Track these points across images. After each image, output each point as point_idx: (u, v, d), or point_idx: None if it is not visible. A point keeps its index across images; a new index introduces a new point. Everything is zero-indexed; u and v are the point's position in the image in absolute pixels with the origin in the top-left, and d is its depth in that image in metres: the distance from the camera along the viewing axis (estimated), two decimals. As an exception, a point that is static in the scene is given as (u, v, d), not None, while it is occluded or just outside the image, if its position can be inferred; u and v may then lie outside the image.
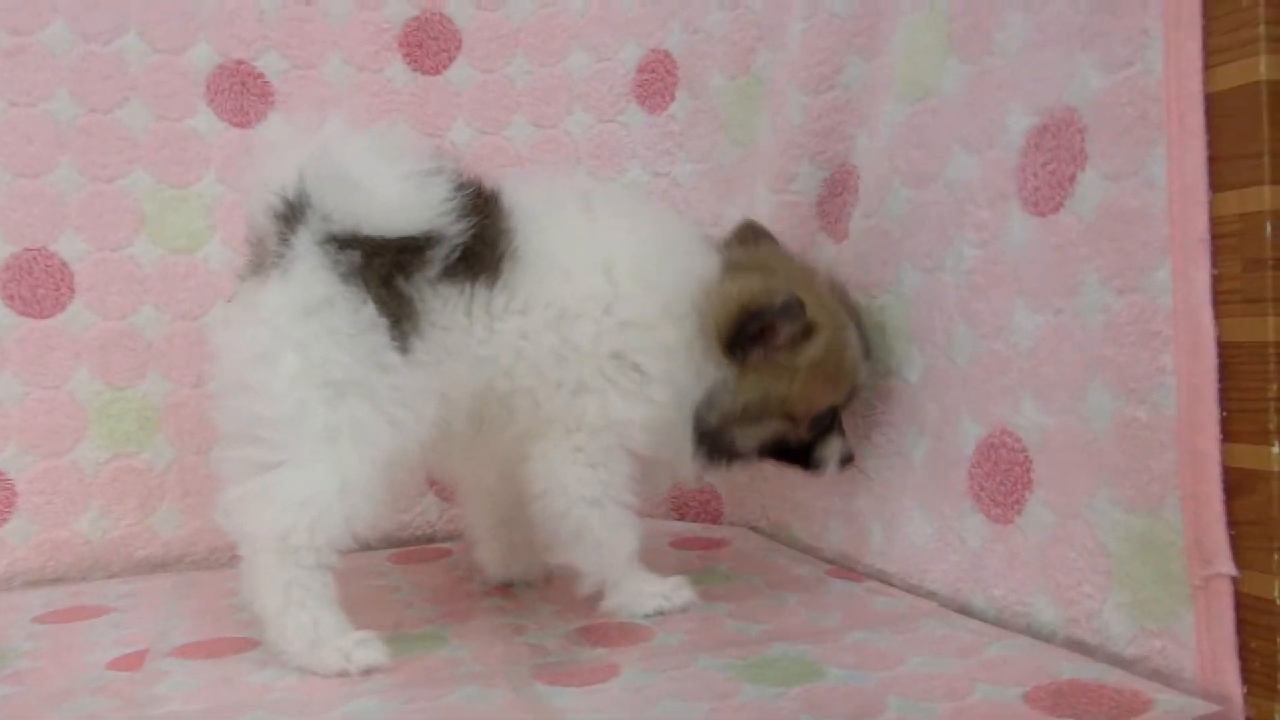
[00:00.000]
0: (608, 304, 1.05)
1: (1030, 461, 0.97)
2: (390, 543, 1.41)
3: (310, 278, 0.96)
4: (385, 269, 0.97)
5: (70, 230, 1.33)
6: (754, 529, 1.44)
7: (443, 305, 0.99)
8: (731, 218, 1.39)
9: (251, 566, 0.98)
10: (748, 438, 1.09)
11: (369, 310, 0.96)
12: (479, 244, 1.00)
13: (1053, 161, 0.93)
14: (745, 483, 1.44)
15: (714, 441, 1.08)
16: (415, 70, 1.46)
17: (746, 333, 1.04)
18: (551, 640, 1.02)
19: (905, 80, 1.11)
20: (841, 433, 1.14)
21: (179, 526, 1.36)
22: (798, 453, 1.13)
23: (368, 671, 0.93)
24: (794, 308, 1.03)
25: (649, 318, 1.05)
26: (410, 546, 1.42)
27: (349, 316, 0.96)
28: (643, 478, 1.09)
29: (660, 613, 1.08)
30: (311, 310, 0.96)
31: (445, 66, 1.47)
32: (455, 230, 0.99)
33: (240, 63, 1.39)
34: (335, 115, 1.38)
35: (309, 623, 0.95)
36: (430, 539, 1.46)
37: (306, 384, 0.95)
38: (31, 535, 1.31)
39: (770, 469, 1.25)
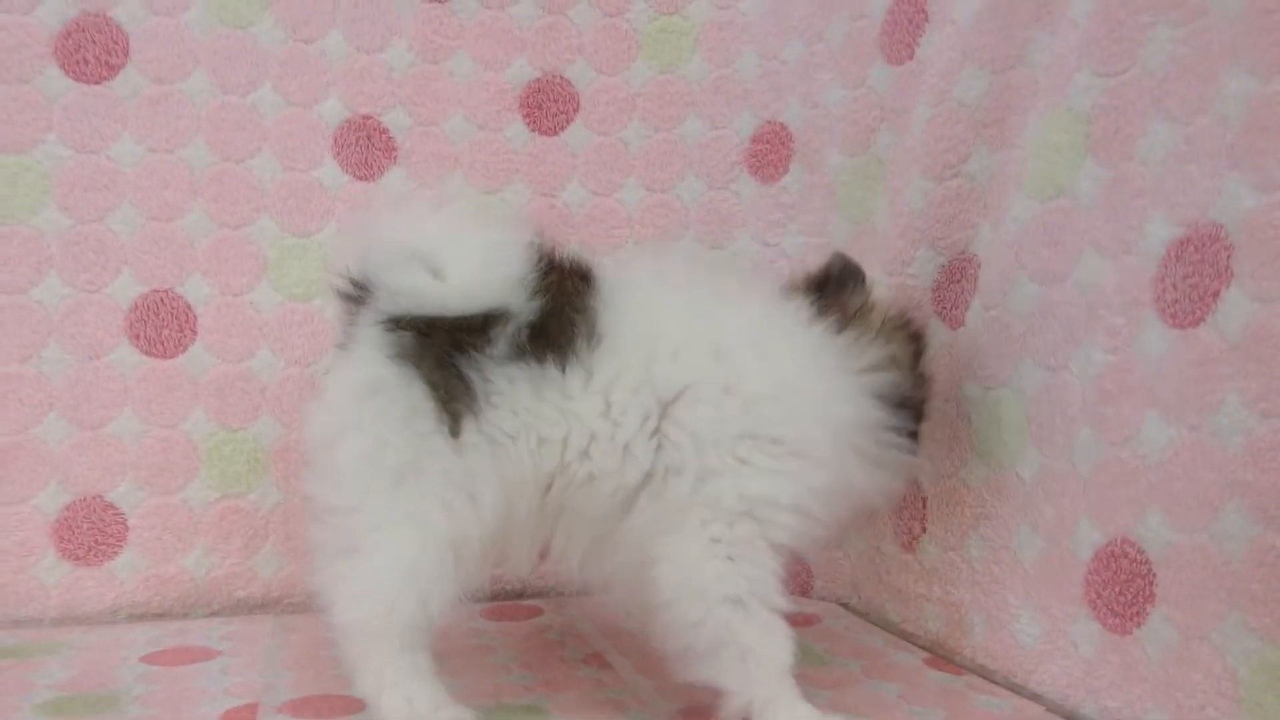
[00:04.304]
0: (726, 384, 0.98)
1: (1154, 575, 0.95)
2: (481, 596, 1.42)
3: (366, 358, 0.97)
4: (440, 349, 0.96)
5: (197, 274, 1.37)
6: (845, 605, 1.43)
7: (508, 386, 0.96)
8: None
9: (346, 652, 0.98)
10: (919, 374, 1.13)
11: (417, 391, 0.95)
12: (552, 322, 0.97)
13: (1194, 275, 0.91)
14: (836, 556, 1.43)
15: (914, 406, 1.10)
16: (534, 130, 1.48)
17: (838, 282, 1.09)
18: (653, 720, 1.02)
19: (1037, 176, 1.10)
20: None
21: (279, 569, 1.38)
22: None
23: None
24: (853, 266, 1.10)
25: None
26: (501, 601, 1.43)
27: (399, 399, 0.96)
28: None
29: None
30: (367, 393, 0.97)
31: (563, 128, 1.49)
32: (525, 309, 0.96)
33: (367, 117, 1.42)
34: (455, 173, 1.45)
35: (402, 701, 0.95)
36: (520, 594, 1.46)
37: (370, 470, 0.96)
38: (140, 569, 1.34)
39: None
